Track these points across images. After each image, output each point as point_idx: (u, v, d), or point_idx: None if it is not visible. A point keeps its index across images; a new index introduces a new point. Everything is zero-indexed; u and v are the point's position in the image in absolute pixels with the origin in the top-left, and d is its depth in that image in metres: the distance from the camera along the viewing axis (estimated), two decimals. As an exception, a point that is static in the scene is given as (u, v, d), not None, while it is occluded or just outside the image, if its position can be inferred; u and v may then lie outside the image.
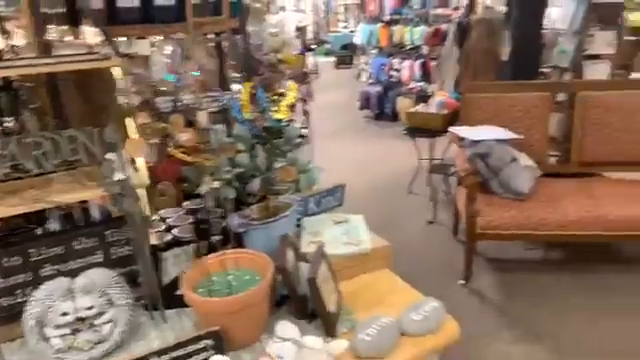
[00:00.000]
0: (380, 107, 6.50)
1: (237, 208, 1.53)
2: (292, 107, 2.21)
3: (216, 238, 1.49)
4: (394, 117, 6.19)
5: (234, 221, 1.42)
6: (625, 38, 3.89)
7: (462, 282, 2.68)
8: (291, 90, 1.50)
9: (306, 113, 2.23)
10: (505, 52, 3.45)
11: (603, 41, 3.34)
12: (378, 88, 6.48)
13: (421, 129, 3.77)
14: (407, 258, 3.06)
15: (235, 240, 1.47)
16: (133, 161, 1.31)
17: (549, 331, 2.28)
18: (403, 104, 4.37)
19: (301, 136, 2.17)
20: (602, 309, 2.41)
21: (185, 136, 1.23)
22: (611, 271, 2.74)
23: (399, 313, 1.24)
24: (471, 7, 4.20)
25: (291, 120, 2.03)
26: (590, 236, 2.52)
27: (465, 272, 2.68)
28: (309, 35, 11.88)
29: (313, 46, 10.84)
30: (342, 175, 4.84)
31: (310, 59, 10.53)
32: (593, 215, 2.49)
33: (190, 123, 1.35)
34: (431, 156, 3.88)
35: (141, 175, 1.29)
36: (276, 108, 1.47)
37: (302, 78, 10.70)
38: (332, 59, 12.03)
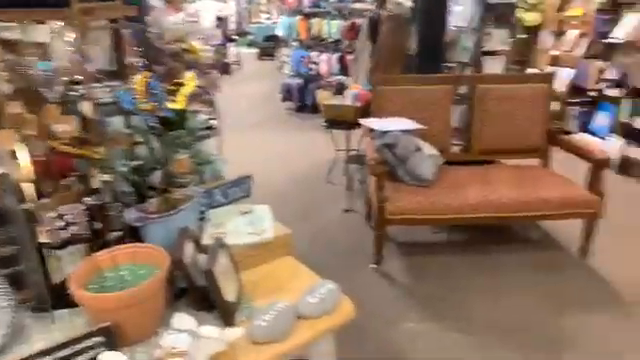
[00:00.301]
0: (301, 99, 6.56)
1: (141, 202, 1.49)
2: (201, 98, 2.18)
3: (115, 234, 1.44)
4: (315, 109, 6.26)
5: (130, 215, 1.38)
6: (518, 36, 4.24)
7: (373, 266, 2.81)
8: (190, 80, 1.48)
9: (213, 104, 2.20)
10: (413, 47, 3.63)
11: (499, 38, 3.62)
12: (299, 80, 6.53)
13: (338, 121, 3.86)
14: (323, 245, 3.17)
15: (133, 235, 1.43)
16: (14, 155, 1.23)
17: (453, 309, 2.46)
18: (322, 96, 4.46)
19: (209, 127, 2.14)
20: (500, 287, 2.64)
21: (61, 127, 1.17)
22: (506, 251, 3.00)
23: (298, 298, 1.29)
24: (382, 2, 4.35)
25: (196, 111, 2.00)
26: (487, 218, 2.74)
27: (376, 256, 2.81)
28: (231, 26, 11.65)
29: (235, 37, 10.64)
30: (263, 166, 4.86)
31: (232, 50, 10.36)
32: (489, 199, 2.71)
33: (76, 114, 1.29)
34: (348, 147, 3.99)
35: (24, 169, 1.22)
36: (174, 98, 1.45)
37: (224, 69, 10.42)
38: (255, 50, 11.89)
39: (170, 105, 1.42)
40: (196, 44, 2.16)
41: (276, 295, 1.33)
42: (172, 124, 1.50)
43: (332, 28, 6.09)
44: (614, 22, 4.60)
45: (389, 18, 3.82)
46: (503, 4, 3.51)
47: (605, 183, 2.74)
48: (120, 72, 1.83)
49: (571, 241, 2.96)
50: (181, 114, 1.50)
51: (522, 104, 3.20)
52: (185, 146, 1.56)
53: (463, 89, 3.48)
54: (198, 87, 1.70)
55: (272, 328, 1.17)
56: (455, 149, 3.41)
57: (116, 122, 1.53)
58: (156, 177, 1.53)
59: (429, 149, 2.91)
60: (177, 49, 1.95)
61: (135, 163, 1.50)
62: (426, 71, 3.44)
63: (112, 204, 1.41)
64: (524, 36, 4.93)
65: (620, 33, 4.46)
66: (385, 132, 2.82)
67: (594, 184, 2.76)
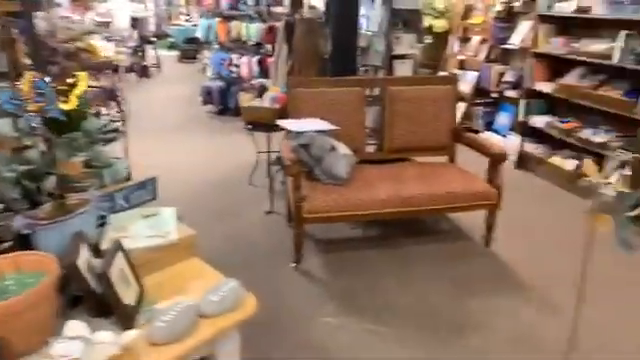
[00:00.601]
0: (223, 102, 6.48)
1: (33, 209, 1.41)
2: (102, 99, 2.09)
3: (4, 245, 1.36)
4: (237, 112, 6.20)
5: (18, 222, 1.31)
6: (427, 41, 4.51)
7: (293, 265, 2.85)
8: (82, 80, 1.42)
9: (120, 105, 2.12)
10: (328, 50, 3.73)
11: (407, 43, 3.82)
12: (220, 83, 6.44)
13: (258, 123, 3.87)
14: (246, 246, 3.16)
15: (25, 244, 1.35)
16: None
17: (369, 301, 2.56)
18: (243, 99, 4.45)
19: (114, 130, 2.07)
20: (413, 277, 2.78)
21: None
22: (419, 243, 3.18)
23: (201, 297, 1.28)
24: (297, 6, 4.43)
25: (98, 113, 1.92)
26: (398, 212, 2.88)
27: (296, 255, 2.85)
28: (150, 27, 11.22)
29: (153, 39, 10.27)
30: (184, 170, 4.74)
31: (151, 52, 9.99)
32: (399, 194, 2.85)
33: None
34: (269, 149, 4.01)
35: None
36: (65, 99, 1.38)
37: (142, 72, 9.96)
38: (176, 53, 11.56)
39: (62, 106, 1.36)
40: (102, 44, 2.07)
41: (180, 296, 1.32)
42: (65, 126, 1.44)
43: (251, 31, 6.09)
44: (510, 29, 5.03)
45: (302, 22, 3.90)
46: (409, 11, 3.72)
47: (503, 177, 2.99)
48: (10, 73, 1.72)
49: (476, 231, 3.19)
50: (74, 115, 1.44)
51: (430, 105, 3.40)
52: (81, 149, 1.50)
53: (377, 91, 3.63)
54: (97, 87, 1.64)
55: (171, 328, 1.16)
56: (370, 149, 3.55)
57: (1, 124, 1.44)
58: (50, 182, 1.46)
59: (344, 149, 3.00)
60: (72, 48, 1.86)
61: (24, 168, 1.42)
62: (341, 74, 3.55)
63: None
64: (430, 41, 5.24)
65: (516, 39, 4.89)
66: (300, 133, 2.87)
67: (493, 178, 3.00)
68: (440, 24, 5.97)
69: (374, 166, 3.29)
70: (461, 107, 5.60)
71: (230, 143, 5.29)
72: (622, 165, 3.57)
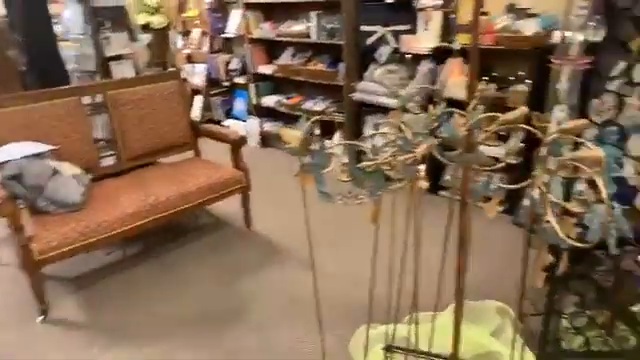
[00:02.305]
0: None
1: None
2: None
3: None
4: None
5: None
6: (144, 38, 4.30)
7: (41, 318, 2.40)
8: None
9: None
10: (23, 61, 3.17)
11: (119, 43, 3.55)
12: None
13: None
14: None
15: None
16: None
17: (140, 323, 2.35)
18: None
19: None
20: (185, 280, 2.68)
21: None
22: (184, 244, 3.09)
23: None
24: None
25: None
26: (153, 221, 2.70)
27: (41, 306, 2.40)
28: None
29: None
30: None
31: None
32: (148, 202, 2.68)
33: None
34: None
35: None
36: None
37: None
38: None
39: None
40: None
41: None
42: None
43: None
44: (225, 19, 5.22)
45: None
46: (112, 8, 3.44)
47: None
48: None
49: (237, 216, 3.27)
50: None
51: (160, 103, 3.26)
52: None
53: (99, 97, 3.29)
54: None
55: None
56: (109, 161, 3.22)
57: None
58: None
59: (70, 169, 2.63)
60: None
61: None
62: (48, 85, 3.06)
63: None
64: (151, 39, 5.04)
65: (231, 28, 5.11)
66: (3, 163, 2.38)
67: (237, 162, 3.10)
68: (158, 20, 5.78)
69: (114, 179, 3.01)
70: (198, 100, 5.63)
71: None
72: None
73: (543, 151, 1.01)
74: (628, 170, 1.51)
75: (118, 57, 3.62)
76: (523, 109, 1.03)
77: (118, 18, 3.56)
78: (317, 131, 3.17)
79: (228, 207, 3.36)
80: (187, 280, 2.70)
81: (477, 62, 1.19)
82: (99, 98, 3.17)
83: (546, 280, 2.19)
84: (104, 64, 3.54)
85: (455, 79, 3.17)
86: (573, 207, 0.87)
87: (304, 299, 2.44)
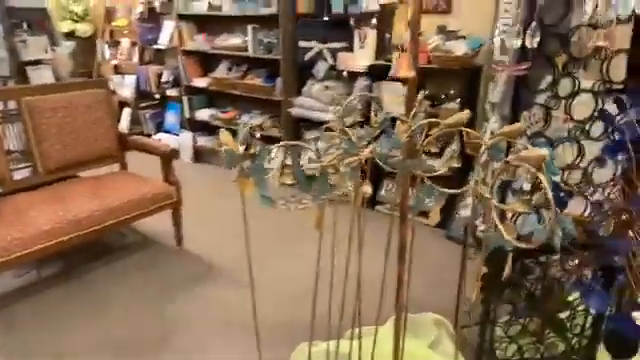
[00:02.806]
0: None
1: None
2: None
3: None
4: None
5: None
6: (67, 45, 4.02)
7: None
8: None
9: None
10: None
11: (38, 47, 3.29)
12: None
13: None
14: None
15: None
16: None
17: (50, 352, 2.11)
18: None
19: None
20: (108, 302, 2.46)
21: None
22: (108, 263, 2.85)
23: None
24: None
25: None
26: (72, 239, 2.47)
27: None
28: None
29: None
30: None
31: None
32: (67, 218, 2.45)
33: None
34: None
35: None
36: None
37: None
38: None
39: None
40: None
41: None
42: None
43: None
44: (157, 30, 5.04)
45: None
46: (29, 9, 3.19)
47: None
48: None
49: (167, 233, 3.08)
50: None
51: (84, 112, 3.03)
52: None
53: (12, 105, 2.99)
54: None
55: None
56: (24, 173, 2.92)
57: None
58: None
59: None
60: None
61: None
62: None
63: None
64: (75, 46, 4.73)
65: (164, 39, 4.93)
66: None
67: (168, 176, 2.94)
68: (83, 28, 5.47)
69: (29, 193, 2.74)
70: (126, 113, 5.35)
71: None
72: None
73: (483, 157, 1.02)
74: (556, 179, 1.59)
75: (37, 62, 3.35)
76: (464, 112, 1.03)
77: (37, 20, 3.30)
78: (257, 134, 3.10)
79: (158, 224, 3.15)
80: (109, 301, 2.48)
81: (416, 79, 1.19)
82: (12, 105, 2.89)
83: (480, 290, 2.25)
84: (20, 69, 3.25)
85: (391, 98, 3.24)
86: (518, 208, 0.87)
87: (239, 319, 2.31)
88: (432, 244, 3.01)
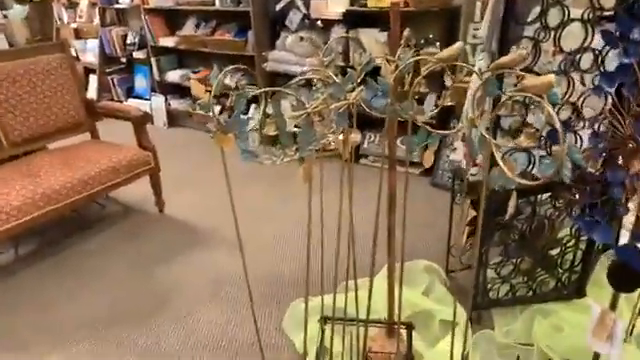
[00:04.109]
0: None
1: None
2: None
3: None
4: None
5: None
6: (16, 6, 3.73)
7: None
8: None
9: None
10: None
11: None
12: None
13: None
14: None
15: None
16: None
17: (35, 330, 2.05)
18: None
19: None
20: (92, 276, 2.39)
21: None
22: (90, 235, 2.76)
23: None
24: None
25: None
26: (47, 213, 2.36)
27: None
28: None
29: None
30: None
31: None
32: (39, 192, 2.33)
33: None
34: None
35: None
36: None
37: None
38: None
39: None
40: None
41: None
42: None
43: None
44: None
45: None
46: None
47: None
48: None
49: (148, 201, 2.99)
50: None
51: (44, 79, 2.84)
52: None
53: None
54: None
55: None
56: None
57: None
58: None
59: None
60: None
61: None
62: None
63: None
64: (24, 10, 4.39)
65: (124, -2, 4.63)
66: None
67: (141, 141, 2.81)
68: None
69: (-6, 169, 2.59)
70: (93, 80, 5.09)
71: None
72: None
73: (478, 93, 0.95)
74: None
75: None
76: (458, 44, 0.95)
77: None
78: (234, 81, 2.93)
79: (137, 192, 3.06)
80: (95, 274, 2.41)
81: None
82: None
83: (469, 234, 2.24)
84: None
85: (370, 45, 3.11)
86: (524, 142, 0.82)
87: (230, 280, 2.28)
88: (418, 192, 2.99)
